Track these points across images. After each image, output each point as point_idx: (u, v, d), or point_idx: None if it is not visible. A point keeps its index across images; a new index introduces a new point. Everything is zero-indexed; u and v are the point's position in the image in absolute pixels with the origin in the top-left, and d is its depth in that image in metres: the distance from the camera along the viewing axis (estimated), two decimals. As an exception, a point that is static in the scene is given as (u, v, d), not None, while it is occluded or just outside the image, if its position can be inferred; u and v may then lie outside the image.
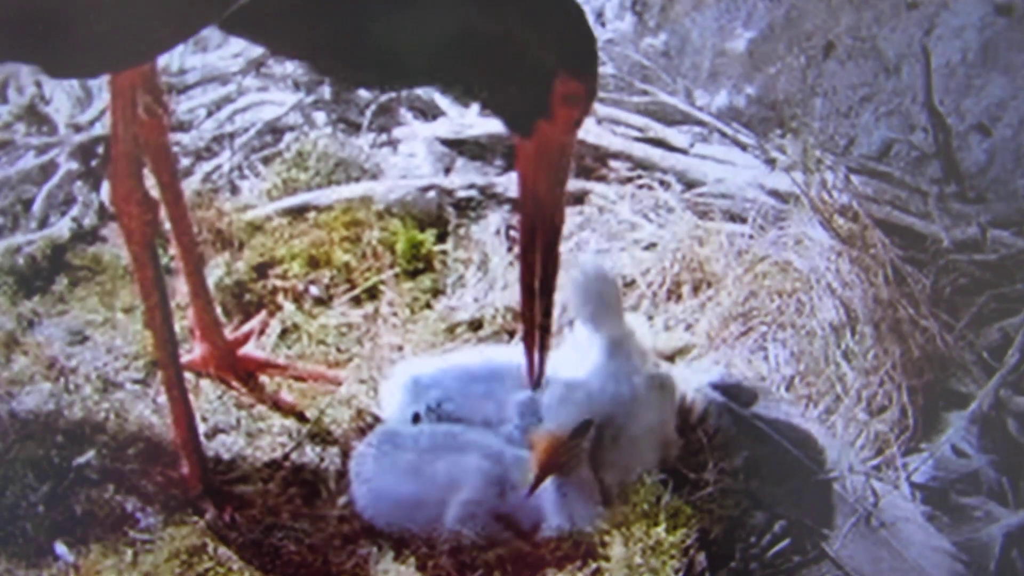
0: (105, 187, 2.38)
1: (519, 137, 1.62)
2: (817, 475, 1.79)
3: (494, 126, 2.52)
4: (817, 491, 1.77)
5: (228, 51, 2.72)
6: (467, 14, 1.53)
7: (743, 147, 2.47)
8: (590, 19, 1.71)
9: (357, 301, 2.22)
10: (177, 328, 2.11)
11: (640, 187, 2.38)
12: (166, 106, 1.87)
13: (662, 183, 2.38)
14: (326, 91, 2.63)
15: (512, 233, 2.34)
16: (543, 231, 1.65)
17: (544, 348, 1.70)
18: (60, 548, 1.75)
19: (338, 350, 2.13)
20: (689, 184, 2.39)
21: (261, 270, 2.26)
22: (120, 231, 1.76)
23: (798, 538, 1.74)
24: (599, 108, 2.54)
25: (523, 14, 1.54)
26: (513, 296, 2.13)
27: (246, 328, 2.17)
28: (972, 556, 1.71)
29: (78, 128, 2.54)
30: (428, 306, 2.19)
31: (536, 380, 1.73)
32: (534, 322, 1.68)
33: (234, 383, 2.06)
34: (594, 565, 1.67)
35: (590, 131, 2.50)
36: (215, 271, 2.21)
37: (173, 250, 2.02)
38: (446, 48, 1.54)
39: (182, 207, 1.99)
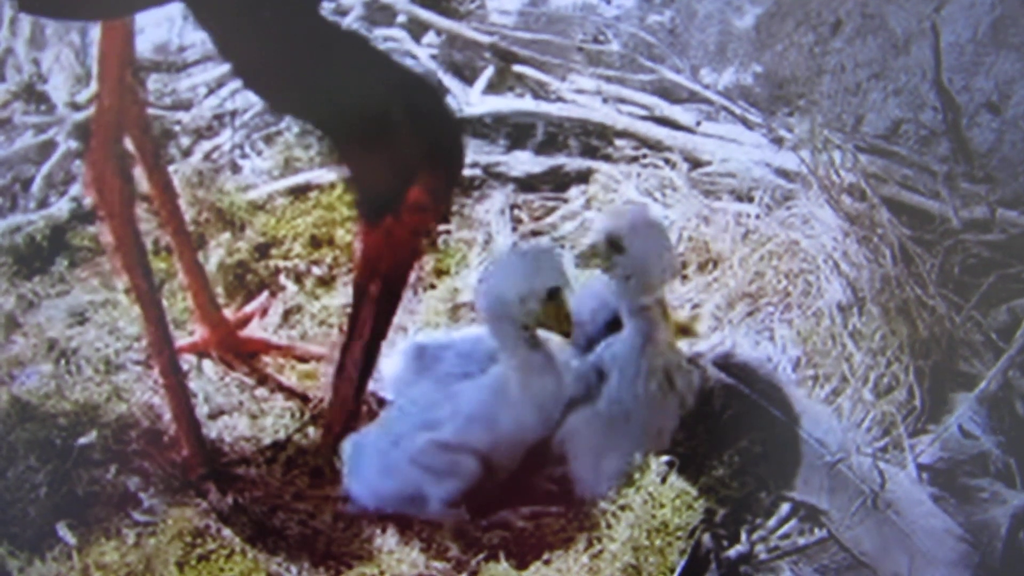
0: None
1: (366, 224, 1.61)
2: (823, 457, 1.78)
3: (498, 105, 2.51)
4: (823, 472, 1.77)
5: (228, 28, 2.69)
6: (353, 83, 1.55)
7: (750, 126, 2.45)
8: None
9: (357, 282, 2.21)
10: (179, 309, 2.12)
11: (646, 166, 2.36)
12: (145, 85, 1.86)
13: (668, 162, 2.37)
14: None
15: (516, 212, 2.33)
16: (371, 311, 1.64)
17: (347, 411, 1.67)
18: (62, 530, 1.74)
19: (341, 331, 2.12)
20: (695, 163, 2.37)
21: (263, 250, 2.25)
22: (99, 207, 1.75)
23: (804, 520, 1.74)
24: (604, 86, 2.53)
25: (401, 106, 1.55)
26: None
27: (248, 309, 2.16)
28: (979, 537, 1.70)
29: (77, 107, 2.53)
30: (431, 286, 2.18)
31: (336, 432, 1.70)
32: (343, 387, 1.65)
33: (236, 365, 2.05)
34: (599, 546, 1.67)
35: (595, 109, 2.48)
36: (216, 251, 2.21)
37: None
38: (322, 102, 1.56)
39: (169, 187, 1.98)
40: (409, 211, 1.58)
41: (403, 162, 1.56)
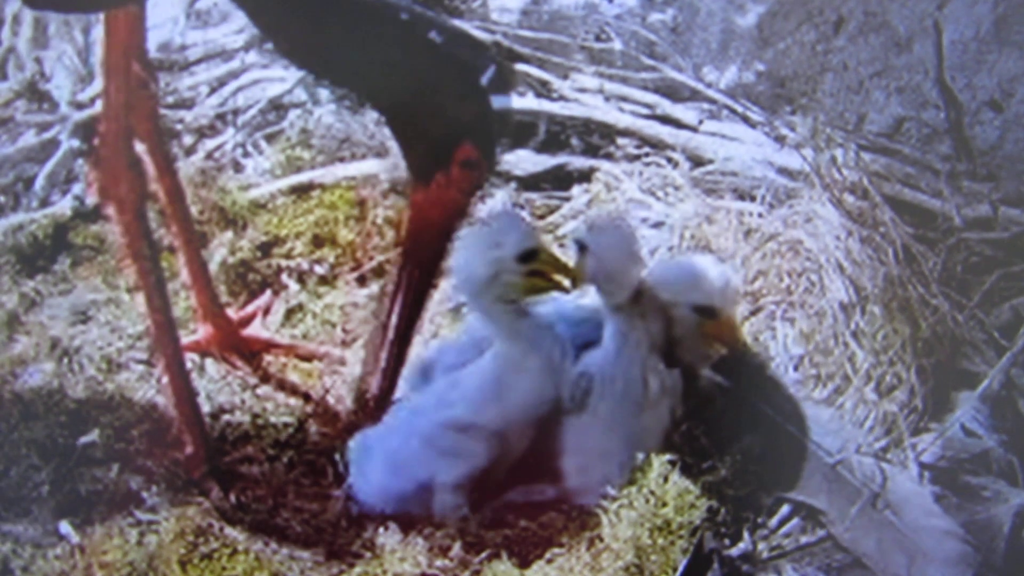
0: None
1: (417, 185, 1.67)
2: (823, 458, 1.78)
3: (501, 103, 2.50)
4: (822, 474, 1.77)
5: (230, 27, 2.69)
6: (401, 58, 1.62)
7: (752, 124, 2.45)
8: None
9: (362, 280, 2.21)
10: (182, 308, 2.12)
11: (648, 165, 2.37)
12: (156, 79, 1.87)
13: (670, 161, 2.37)
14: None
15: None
16: (417, 277, 1.71)
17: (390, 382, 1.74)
18: (65, 528, 1.74)
19: (343, 330, 2.13)
20: (697, 162, 2.38)
21: (265, 249, 2.25)
22: (109, 202, 1.75)
23: (806, 519, 1.74)
24: (606, 84, 2.53)
25: (450, 75, 1.65)
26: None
27: (251, 308, 2.16)
28: (981, 536, 1.70)
29: (79, 106, 2.53)
30: (434, 286, 2.17)
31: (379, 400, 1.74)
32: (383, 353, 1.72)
33: (239, 363, 2.05)
34: (601, 545, 1.66)
35: (598, 107, 2.48)
36: (219, 250, 2.21)
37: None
38: (372, 72, 1.63)
39: (177, 184, 1.98)
40: (459, 167, 1.63)
41: (454, 120, 1.63)
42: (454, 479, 1.71)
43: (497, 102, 1.73)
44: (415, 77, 1.63)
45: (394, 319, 1.71)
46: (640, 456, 1.72)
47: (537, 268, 1.69)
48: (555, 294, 1.75)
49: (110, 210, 1.77)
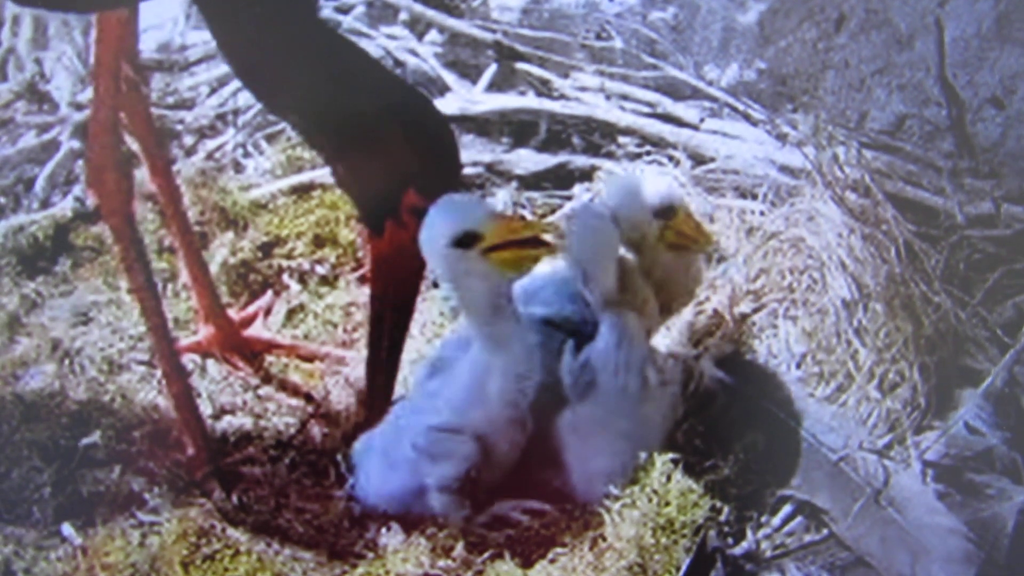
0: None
1: (370, 235, 1.65)
2: (825, 455, 1.77)
3: (501, 103, 2.50)
4: (824, 471, 1.76)
5: (230, 27, 2.69)
6: (347, 91, 1.56)
7: (754, 122, 2.45)
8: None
9: (363, 280, 2.20)
10: (183, 309, 2.12)
11: (649, 163, 2.36)
12: (148, 80, 1.87)
13: (671, 159, 2.37)
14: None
15: (520, 211, 2.33)
16: (388, 318, 1.68)
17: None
18: (67, 530, 1.74)
19: (344, 330, 2.13)
20: (699, 160, 2.37)
21: (266, 249, 2.25)
22: (98, 204, 1.75)
23: (809, 518, 1.74)
24: (607, 83, 2.52)
25: (391, 116, 1.57)
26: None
27: (252, 308, 2.16)
28: (985, 534, 1.70)
29: (79, 106, 2.53)
30: (435, 284, 2.17)
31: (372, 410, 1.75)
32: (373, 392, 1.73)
33: (240, 364, 2.05)
34: (604, 545, 1.66)
35: (599, 106, 2.48)
36: (220, 251, 2.20)
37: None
38: (318, 108, 1.58)
39: (173, 185, 1.98)
40: (408, 214, 1.59)
41: (396, 166, 1.58)
42: (444, 481, 1.71)
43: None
44: (352, 124, 1.58)
45: (381, 353, 1.71)
46: (643, 452, 1.72)
47: (489, 245, 1.61)
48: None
49: (101, 214, 1.78)
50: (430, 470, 1.71)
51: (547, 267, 1.79)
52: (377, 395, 1.73)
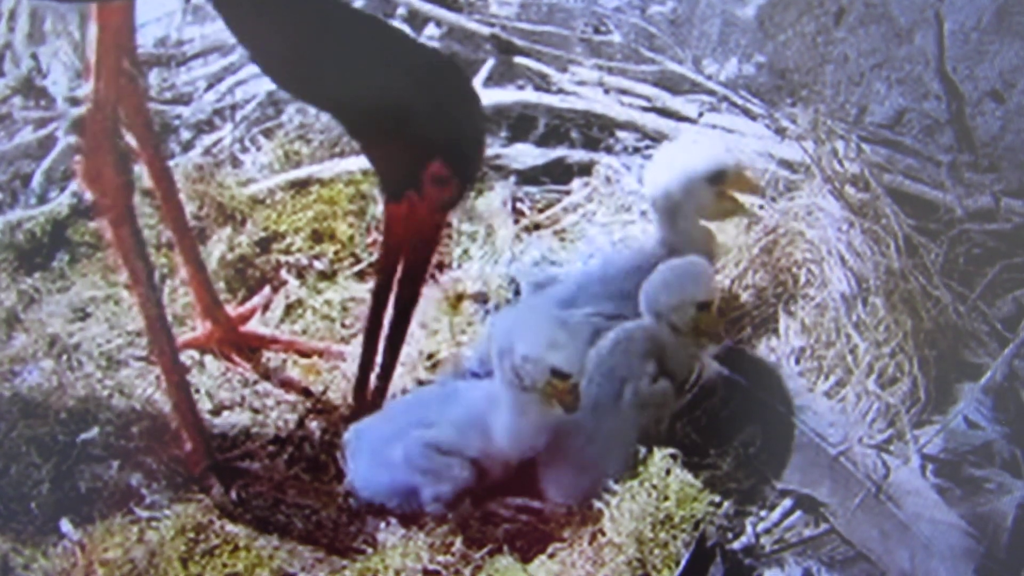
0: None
1: (389, 202, 1.66)
2: (824, 450, 1.77)
3: (500, 98, 2.50)
4: (824, 466, 1.76)
5: (227, 22, 2.68)
6: (371, 68, 1.57)
7: (752, 116, 2.44)
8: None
9: (362, 275, 2.20)
10: (181, 304, 2.12)
11: (648, 157, 2.35)
12: (145, 74, 1.86)
13: (670, 154, 2.36)
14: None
15: (518, 205, 2.33)
16: (401, 292, 1.69)
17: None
18: (65, 526, 1.74)
19: (343, 325, 2.12)
20: (698, 155, 2.36)
21: (264, 245, 2.24)
22: (95, 200, 1.75)
23: (808, 512, 1.74)
24: (606, 77, 2.52)
25: (420, 89, 1.58)
26: (517, 268, 2.15)
27: (250, 304, 2.16)
28: (985, 528, 1.70)
29: (76, 101, 2.51)
30: (433, 279, 2.17)
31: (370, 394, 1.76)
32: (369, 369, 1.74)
33: (239, 360, 2.05)
34: (603, 539, 1.66)
35: (597, 100, 2.47)
36: (217, 246, 2.20)
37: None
38: (339, 87, 1.58)
39: (169, 179, 1.97)
40: (431, 185, 1.60)
41: (423, 139, 1.59)
42: (436, 495, 1.72)
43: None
44: (382, 94, 1.58)
45: (383, 329, 1.71)
46: (597, 472, 1.71)
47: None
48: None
49: (98, 210, 1.77)
50: (423, 482, 1.72)
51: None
52: (379, 382, 1.73)
